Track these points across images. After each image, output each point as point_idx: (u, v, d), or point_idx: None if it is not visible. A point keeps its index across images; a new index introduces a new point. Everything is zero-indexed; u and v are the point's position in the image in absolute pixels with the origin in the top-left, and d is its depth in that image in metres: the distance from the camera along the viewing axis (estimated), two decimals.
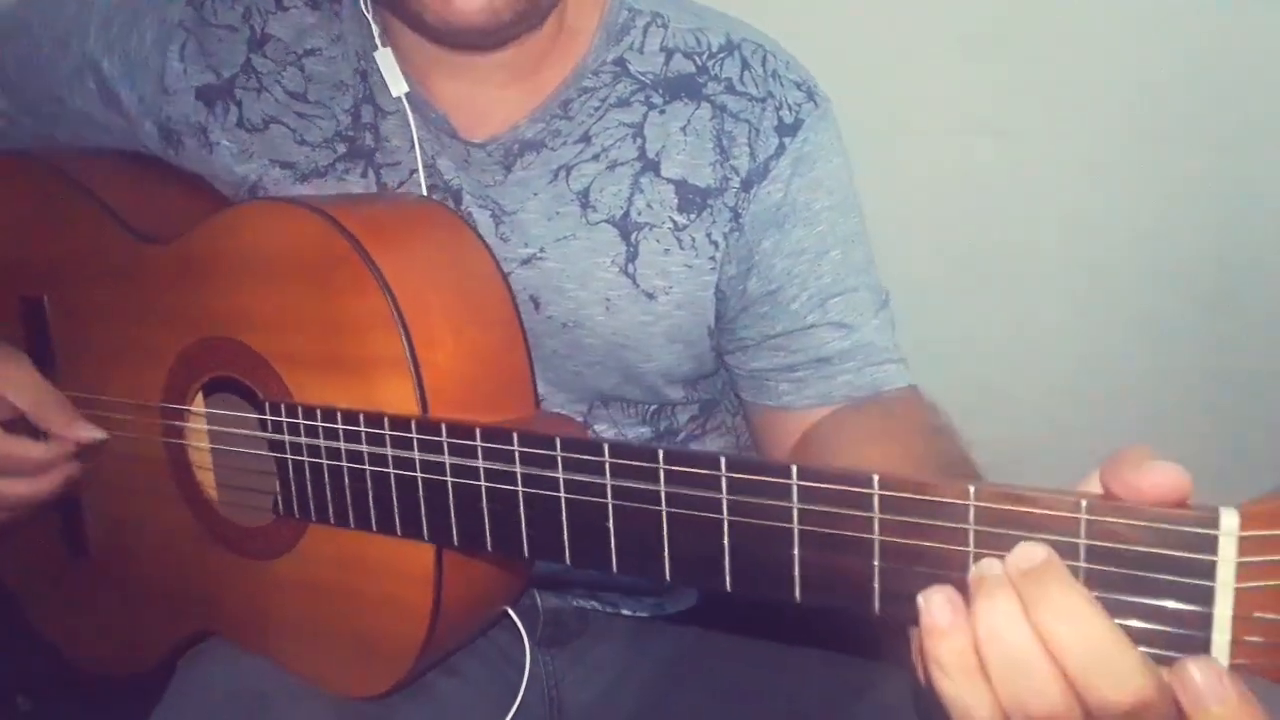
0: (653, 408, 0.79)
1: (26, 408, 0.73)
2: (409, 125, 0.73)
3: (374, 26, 0.73)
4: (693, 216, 0.72)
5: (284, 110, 0.75)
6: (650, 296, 0.72)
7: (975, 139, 1.21)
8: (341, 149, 0.75)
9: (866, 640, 0.72)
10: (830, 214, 0.73)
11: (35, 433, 0.75)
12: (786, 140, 0.72)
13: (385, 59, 0.73)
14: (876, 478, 0.43)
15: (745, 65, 0.73)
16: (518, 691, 0.77)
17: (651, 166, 0.72)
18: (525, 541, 0.55)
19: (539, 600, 0.84)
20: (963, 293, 1.28)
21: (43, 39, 0.80)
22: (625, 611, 0.87)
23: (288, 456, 0.65)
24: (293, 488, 0.65)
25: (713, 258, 0.72)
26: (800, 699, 0.75)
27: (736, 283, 0.73)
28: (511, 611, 0.75)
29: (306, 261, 0.64)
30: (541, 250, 0.72)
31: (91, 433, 0.75)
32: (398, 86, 0.72)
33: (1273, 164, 1.17)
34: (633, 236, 0.72)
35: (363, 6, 0.73)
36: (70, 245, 0.78)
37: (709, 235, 0.72)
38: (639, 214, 0.72)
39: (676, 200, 0.72)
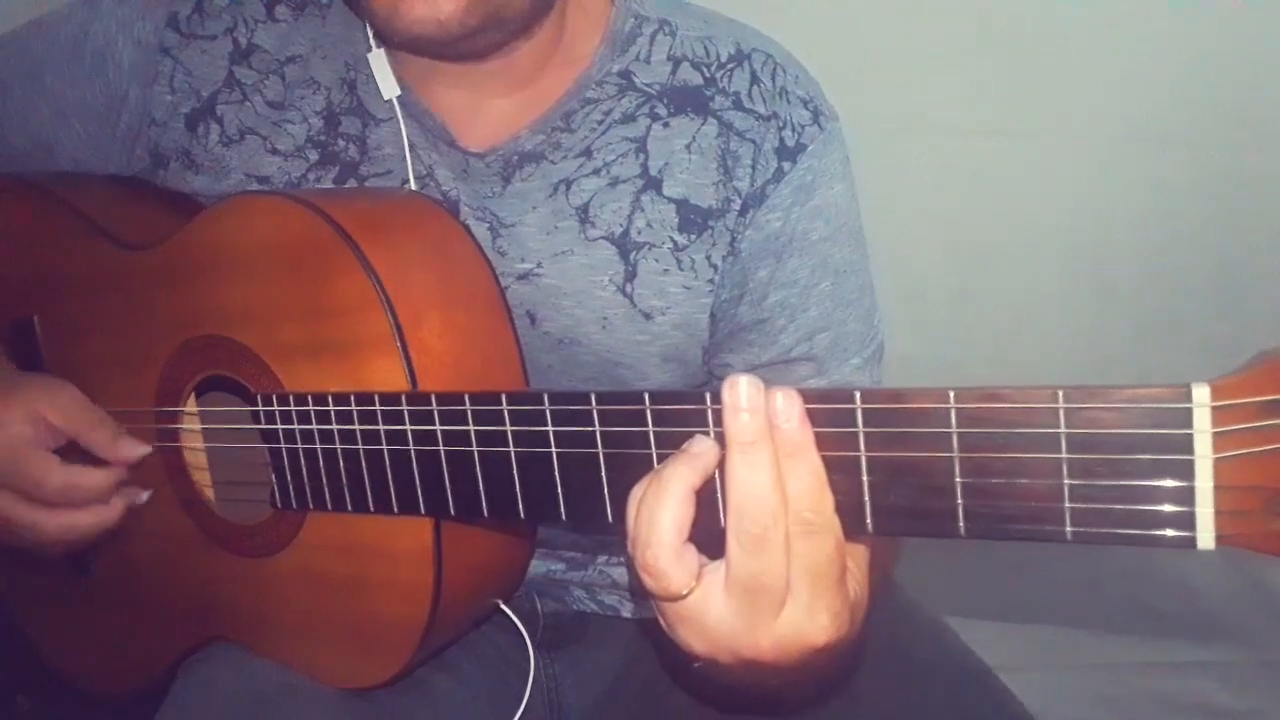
0: None
1: (67, 429, 0.70)
2: (401, 129, 0.72)
3: (368, 29, 0.72)
4: (693, 237, 0.71)
5: (261, 121, 0.75)
6: (647, 317, 0.72)
7: (975, 139, 1.22)
8: (314, 156, 0.74)
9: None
10: (825, 245, 0.73)
11: (95, 462, 0.72)
12: (786, 165, 0.71)
13: (378, 61, 0.72)
14: (858, 393, 0.43)
15: (754, 79, 0.72)
16: (516, 693, 0.77)
17: (653, 184, 0.71)
18: (520, 501, 0.55)
19: (539, 604, 0.84)
20: (963, 291, 1.29)
21: (11, 83, 0.79)
22: (625, 614, 0.86)
23: (282, 447, 0.65)
24: (289, 478, 0.66)
25: (711, 280, 0.72)
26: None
27: (728, 307, 0.73)
28: (512, 615, 0.74)
29: (288, 250, 0.65)
30: (539, 265, 0.72)
31: (135, 449, 0.72)
32: (389, 89, 0.72)
33: (1273, 164, 1.19)
34: (632, 256, 0.71)
35: (358, 11, 0.73)
36: (57, 262, 0.78)
37: (708, 258, 0.72)
38: (639, 233, 0.71)
39: (677, 220, 0.71)
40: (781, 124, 0.72)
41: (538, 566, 0.83)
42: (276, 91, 0.75)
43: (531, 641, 0.76)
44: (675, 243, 0.71)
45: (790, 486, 0.44)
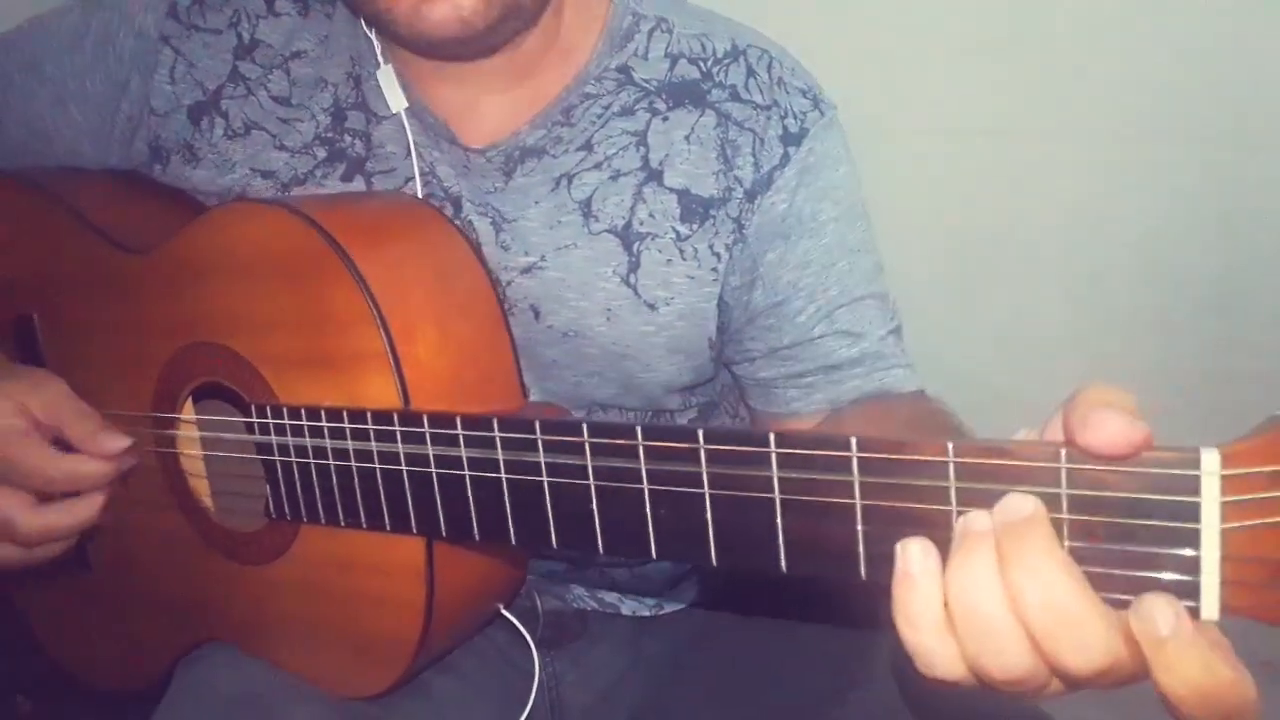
0: (649, 414, 0.78)
1: (50, 421, 0.69)
2: (405, 133, 0.72)
3: (375, 44, 0.72)
4: (695, 227, 0.71)
5: (267, 116, 0.74)
6: (652, 307, 0.72)
7: (975, 139, 1.21)
8: (321, 153, 0.74)
9: (863, 638, 0.72)
10: (836, 225, 0.73)
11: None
12: (791, 150, 0.71)
13: (386, 76, 0.72)
14: (854, 440, 0.42)
15: (750, 72, 0.72)
16: (518, 692, 0.77)
17: (655, 176, 0.71)
18: (511, 527, 0.54)
19: (539, 602, 0.84)
20: (962, 292, 1.28)
21: (11, 72, 0.78)
22: (625, 611, 0.87)
23: (275, 458, 0.64)
24: (282, 490, 0.65)
25: (715, 269, 0.71)
26: (799, 695, 0.75)
27: (741, 294, 0.72)
28: (510, 615, 0.74)
29: (285, 261, 0.64)
30: (542, 259, 0.71)
31: (117, 442, 0.70)
32: (397, 102, 0.72)
33: (1273, 164, 1.17)
34: (635, 247, 0.71)
35: (362, 23, 0.72)
36: (57, 262, 0.78)
37: (711, 246, 0.71)
38: (641, 224, 0.71)
39: (679, 210, 0.71)
40: (783, 112, 0.71)
41: (538, 565, 0.83)
42: (282, 87, 0.74)
43: (532, 639, 0.76)
44: (678, 233, 0.71)
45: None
